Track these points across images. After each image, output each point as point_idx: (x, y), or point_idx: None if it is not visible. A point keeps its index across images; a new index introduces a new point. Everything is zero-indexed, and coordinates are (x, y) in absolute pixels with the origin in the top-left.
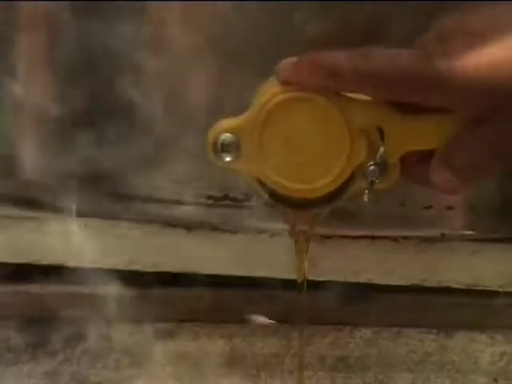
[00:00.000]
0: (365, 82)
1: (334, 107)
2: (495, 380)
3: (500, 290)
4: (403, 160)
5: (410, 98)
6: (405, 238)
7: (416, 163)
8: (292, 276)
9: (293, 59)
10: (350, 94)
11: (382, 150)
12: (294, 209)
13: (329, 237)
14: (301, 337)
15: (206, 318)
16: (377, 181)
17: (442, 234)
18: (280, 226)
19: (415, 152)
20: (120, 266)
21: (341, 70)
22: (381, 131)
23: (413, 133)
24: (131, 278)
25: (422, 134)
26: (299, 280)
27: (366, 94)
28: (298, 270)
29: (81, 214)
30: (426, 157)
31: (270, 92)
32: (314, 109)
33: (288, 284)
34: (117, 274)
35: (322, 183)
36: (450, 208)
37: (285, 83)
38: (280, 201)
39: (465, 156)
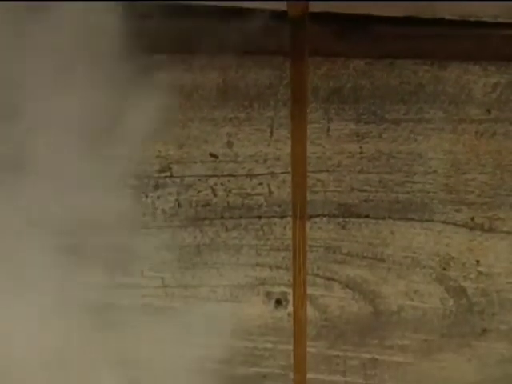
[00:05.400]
0: None
1: None
2: (488, 111)
3: (495, 20)
4: None
5: None
6: None
7: None
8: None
9: None
10: None
11: None
12: None
13: None
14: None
15: (200, 49)
16: None
17: None
18: None
19: None
20: None
21: None
22: None
23: None
24: (127, 10)
25: None
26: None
27: None
28: None
29: None
30: None
31: None
32: None
33: (281, 15)
34: (113, 7)
35: None
36: None
37: None
38: None
39: None
